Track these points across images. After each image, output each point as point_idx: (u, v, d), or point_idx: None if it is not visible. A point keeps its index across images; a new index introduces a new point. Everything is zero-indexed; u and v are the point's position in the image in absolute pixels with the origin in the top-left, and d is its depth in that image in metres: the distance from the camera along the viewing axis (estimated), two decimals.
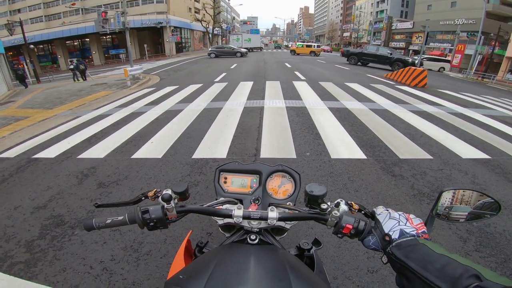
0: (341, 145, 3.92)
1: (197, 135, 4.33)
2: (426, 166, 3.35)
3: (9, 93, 10.50)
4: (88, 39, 33.69)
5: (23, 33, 16.24)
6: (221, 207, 0.71)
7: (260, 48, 33.86)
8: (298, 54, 27.10)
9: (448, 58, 22.59)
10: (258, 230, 0.73)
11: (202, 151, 3.72)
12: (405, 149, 3.87)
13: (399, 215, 0.57)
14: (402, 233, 0.53)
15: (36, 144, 4.35)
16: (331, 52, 44.58)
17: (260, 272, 0.54)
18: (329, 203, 0.65)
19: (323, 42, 69.12)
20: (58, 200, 2.64)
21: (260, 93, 7.54)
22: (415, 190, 2.79)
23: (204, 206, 0.68)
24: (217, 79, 10.43)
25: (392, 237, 0.53)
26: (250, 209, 0.67)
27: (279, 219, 0.63)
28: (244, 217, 0.64)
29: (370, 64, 17.88)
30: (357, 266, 1.80)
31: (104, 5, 26.65)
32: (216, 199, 0.81)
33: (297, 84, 9.09)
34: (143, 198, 0.71)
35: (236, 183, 0.92)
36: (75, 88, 10.58)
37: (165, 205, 0.62)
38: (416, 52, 28.31)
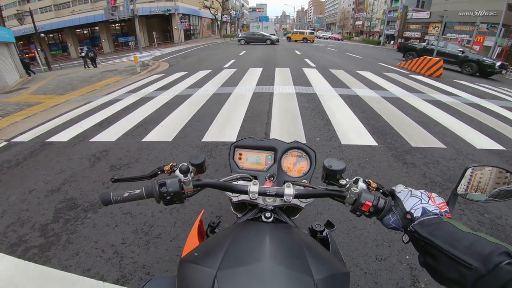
0: (352, 132, 3.86)
1: (207, 119, 4.33)
2: (439, 155, 3.27)
3: (22, 80, 10.69)
4: (98, 27, 33.76)
5: (33, 22, 16.28)
6: (236, 183, 0.69)
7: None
8: (295, 41, 28.94)
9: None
10: (272, 208, 0.72)
11: (212, 135, 3.73)
12: (418, 137, 3.77)
13: (421, 193, 0.55)
14: (425, 212, 0.51)
15: (49, 128, 4.43)
16: (342, 40, 43.36)
17: (276, 250, 0.53)
18: (347, 179, 0.63)
19: (334, 31, 67.18)
20: (71, 183, 2.67)
21: (269, 79, 7.45)
22: (427, 179, 2.73)
23: (221, 181, 0.67)
24: (226, 66, 10.35)
25: (414, 215, 0.51)
26: (265, 186, 0.65)
27: (296, 196, 0.61)
28: (260, 193, 0.62)
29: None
30: (365, 253, 1.79)
31: None
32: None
33: (307, 71, 8.93)
34: (159, 172, 0.70)
35: (251, 159, 0.91)
36: (86, 74, 10.68)
37: (182, 178, 0.60)
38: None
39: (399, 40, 25.98)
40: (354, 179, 0.62)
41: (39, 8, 33.37)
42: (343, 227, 2.01)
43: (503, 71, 11.98)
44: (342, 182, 0.62)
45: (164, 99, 5.72)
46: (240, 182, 0.71)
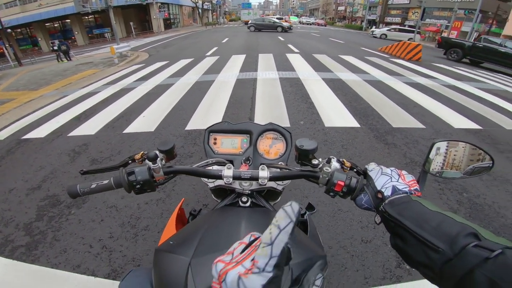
0: (335, 114, 3.91)
1: (190, 108, 4.25)
2: (419, 135, 3.39)
3: None
4: (69, 20, 31.76)
5: None
6: (211, 168, 0.68)
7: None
8: None
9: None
10: (249, 192, 0.71)
11: (195, 123, 3.67)
12: (398, 118, 3.88)
13: (391, 170, 0.54)
14: (395, 190, 0.49)
15: (25, 125, 4.20)
16: (325, 26, 43.23)
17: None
18: (320, 159, 0.61)
19: (318, 16, 66.69)
20: (52, 180, 2.59)
21: (253, 66, 7.36)
22: (408, 159, 2.82)
23: (193, 166, 0.65)
24: (209, 53, 10.11)
25: (385, 194, 0.49)
26: (241, 169, 0.64)
27: (271, 179, 0.60)
28: (235, 177, 0.61)
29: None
30: (351, 236, 1.82)
31: None
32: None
33: (290, 56, 8.89)
34: (130, 161, 0.67)
35: (226, 143, 0.90)
36: (59, 68, 10.13)
37: (152, 166, 0.58)
38: (411, 28, 27.68)
39: (439, 35, 19.80)
40: (326, 158, 0.60)
41: (4, 4, 30.90)
42: (328, 209, 2.04)
43: None
44: (315, 162, 0.60)
45: (145, 89, 5.54)
46: (215, 167, 0.69)
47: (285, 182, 0.77)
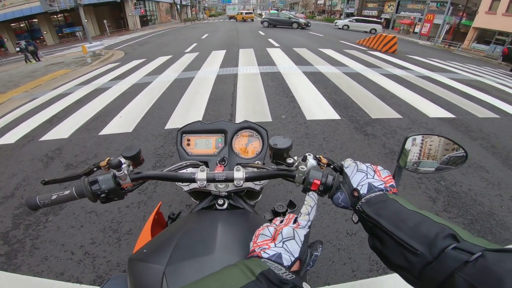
0: (316, 107, 3.95)
1: (169, 106, 4.13)
2: (396, 125, 3.49)
3: None
4: (37, 20, 29.89)
5: None
6: (184, 171, 0.64)
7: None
8: (241, 20, 30.96)
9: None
10: (226, 194, 0.68)
11: (175, 121, 3.58)
12: (377, 109, 3.98)
13: (367, 167, 0.51)
14: (371, 188, 0.47)
15: None
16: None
17: (227, 239, 0.51)
18: (295, 158, 0.58)
19: (298, 10, 66.92)
20: (26, 187, 2.47)
21: (233, 61, 7.29)
22: (387, 149, 2.90)
23: (164, 171, 0.61)
24: (188, 50, 9.89)
25: (361, 192, 0.47)
26: (215, 171, 0.61)
27: (246, 179, 0.57)
28: (209, 180, 0.57)
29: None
30: (336, 229, 1.83)
31: None
32: None
33: (271, 51, 8.88)
34: (95, 169, 0.62)
35: (200, 144, 0.86)
36: (27, 69, 9.55)
37: (117, 173, 0.54)
38: (387, 21, 28.44)
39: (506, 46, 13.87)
40: (302, 156, 0.57)
41: None
42: None
43: None
44: (289, 161, 0.57)
45: (121, 88, 5.33)
46: (189, 170, 0.66)
47: (263, 181, 0.74)
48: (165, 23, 37.96)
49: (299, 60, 7.32)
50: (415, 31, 25.73)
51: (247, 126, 0.86)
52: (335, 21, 26.69)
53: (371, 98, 4.46)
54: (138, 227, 1.90)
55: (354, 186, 0.48)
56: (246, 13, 31.62)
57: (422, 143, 0.60)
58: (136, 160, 0.60)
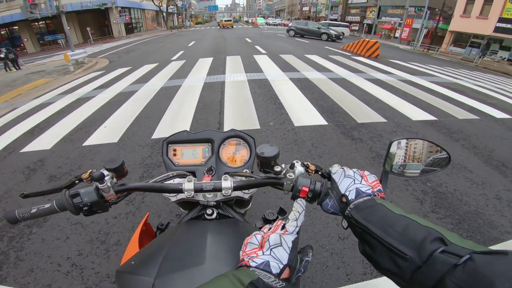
0: (303, 113, 4.00)
1: (156, 115, 4.07)
2: (381, 128, 3.58)
3: None
4: (17, 27, 28.98)
5: None
6: (171, 181, 0.63)
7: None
8: (226, 27, 34.82)
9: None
10: (215, 203, 0.68)
11: (162, 131, 3.52)
12: (362, 114, 4.08)
13: (354, 172, 0.51)
14: (358, 193, 0.47)
15: None
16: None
17: (217, 249, 0.51)
18: (283, 165, 0.58)
19: (284, 17, 68.19)
20: (8, 200, 2.38)
21: (220, 68, 7.31)
22: (374, 153, 2.96)
23: (150, 182, 0.59)
24: (174, 58, 9.84)
25: (349, 197, 0.47)
26: (203, 181, 0.60)
27: (235, 188, 0.57)
28: (196, 190, 0.57)
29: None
30: (328, 234, 1.84)
31: None
32: None
33: (258, 57, 8.97)
34: (76, 181, 0.61)
35: (187, 154, 0.85)
36: (8, 78, 9.20)
37: (99, 186, 0.53)
38: (369, 26, 29.41)
39: None
40: (290, 164, 0.57)
41: None
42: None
43: None
44: (277, 169, 0.57)
45: (105, 98, 5.21)
46: (176, 180, 0.65)
47: (251, 190, 0.74)
48: (151, 30, 37.69)
49: (285, 67, 7.42)
50: (395, 35, 26.69)
51: (234, 134, 0.86)
52: None
53: (357, 103, 4.56)
54: (126, 238, 1.86)
55: (342, 192, 0.49)
56: (225, 21, 36.92)
57: (406, 147, 0.62)
58: (119, 172, 0.59)
